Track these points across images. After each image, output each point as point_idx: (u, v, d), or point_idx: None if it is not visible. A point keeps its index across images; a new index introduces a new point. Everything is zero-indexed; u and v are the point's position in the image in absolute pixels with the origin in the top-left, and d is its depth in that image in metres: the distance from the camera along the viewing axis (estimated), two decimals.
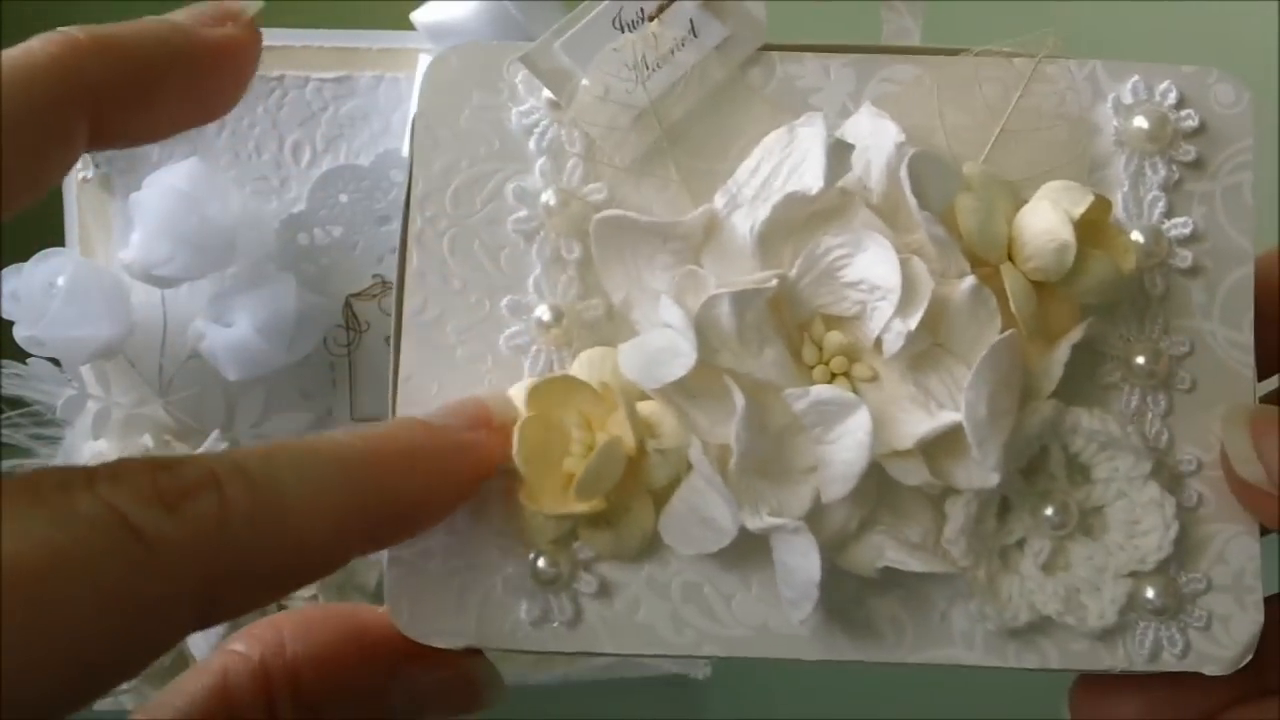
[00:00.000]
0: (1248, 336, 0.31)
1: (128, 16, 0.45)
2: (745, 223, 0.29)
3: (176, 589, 0.23)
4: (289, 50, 0.47)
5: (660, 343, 0.28)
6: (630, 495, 0.29)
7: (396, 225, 0.46)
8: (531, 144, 0.32)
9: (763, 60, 0.32)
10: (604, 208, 0.31)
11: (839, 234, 0.29)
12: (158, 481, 0.23)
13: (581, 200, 0.31)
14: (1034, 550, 0.30)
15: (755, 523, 0.28)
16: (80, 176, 0.47)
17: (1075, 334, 0.29)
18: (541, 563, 0.30)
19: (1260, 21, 0.61)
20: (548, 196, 0.31)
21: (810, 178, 0.29)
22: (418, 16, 0.46)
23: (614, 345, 0.30)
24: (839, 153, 0.29)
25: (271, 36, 0.46)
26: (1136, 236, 0.31)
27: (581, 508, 0.28)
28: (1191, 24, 0.64)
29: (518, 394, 0.30)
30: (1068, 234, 0.28)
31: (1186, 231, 0.32)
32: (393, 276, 0.46)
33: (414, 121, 0.32)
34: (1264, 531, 0.31)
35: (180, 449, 0.47)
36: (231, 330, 0.45)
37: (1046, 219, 0.28)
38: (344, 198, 0.47)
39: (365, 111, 0.48)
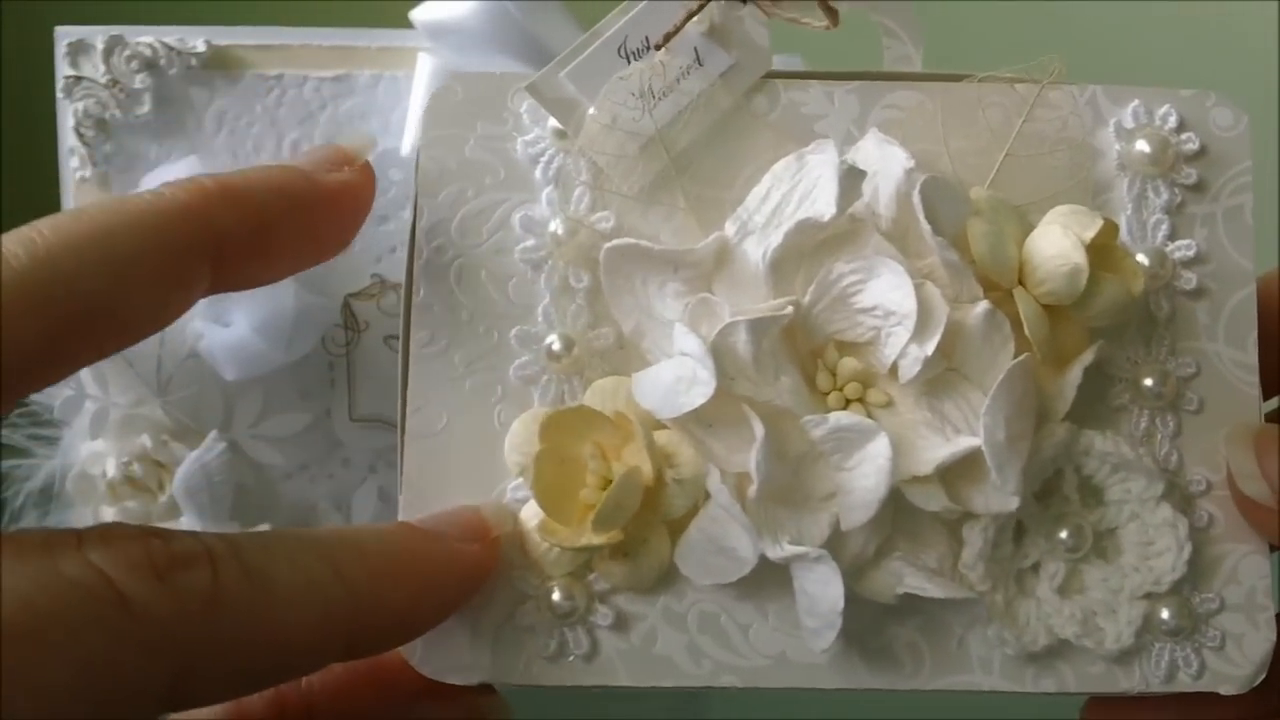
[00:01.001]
0: (1252, 357, 0.32)
1: (128, 17, 0.45)
2: (757, 250, 0.29)
3: (153, 666, 0.22)
4: (287, 49, 0.47)
5: (677, 372, 0.28)
6: (647, 526, 0.29)
7: (395, 225, 0.46)
8: (538, 173, 0.31)
9: (767, 88, 0.32)
10: (612, 236, 0.31)
11: (851, 260, 0.29)
12: (150, 549, 0.22)
13: (589, 229, 0.31)
14: (1049, 574, 0.30)
15: (776, 552, 0.28)
16: (78, 176, 0.46)
17: (1087, 356, 0.30)
18: (557, 596, 0.29)
19: (1260, 21, 0.62)
20: (555, 225, 0.31)
21: (822, 204, 0.29)
22: (416, 15, 0.46)
23: (625, 374, 0.30)
24: (851, 179, 0.29)
25: (270, 35, 0.46)
26: (1141, 259, 0.31)
27: (599, 540, 0.28)
28: (1192, 24, 0.64)
29: (529, 422, 0.29)
30: (1080, 258, 0.28)
31: (1190, 254, 0.32)
32: (391, 276, 0.46)
33: (418, 152, 0.32)
34: (1273, 549, 0.31)
35: (178, 449, 0.46)
36: (229, 330, 0.44)
37: (1058, 243, 0.28)
38: None
39: (364, 110, 0.47)
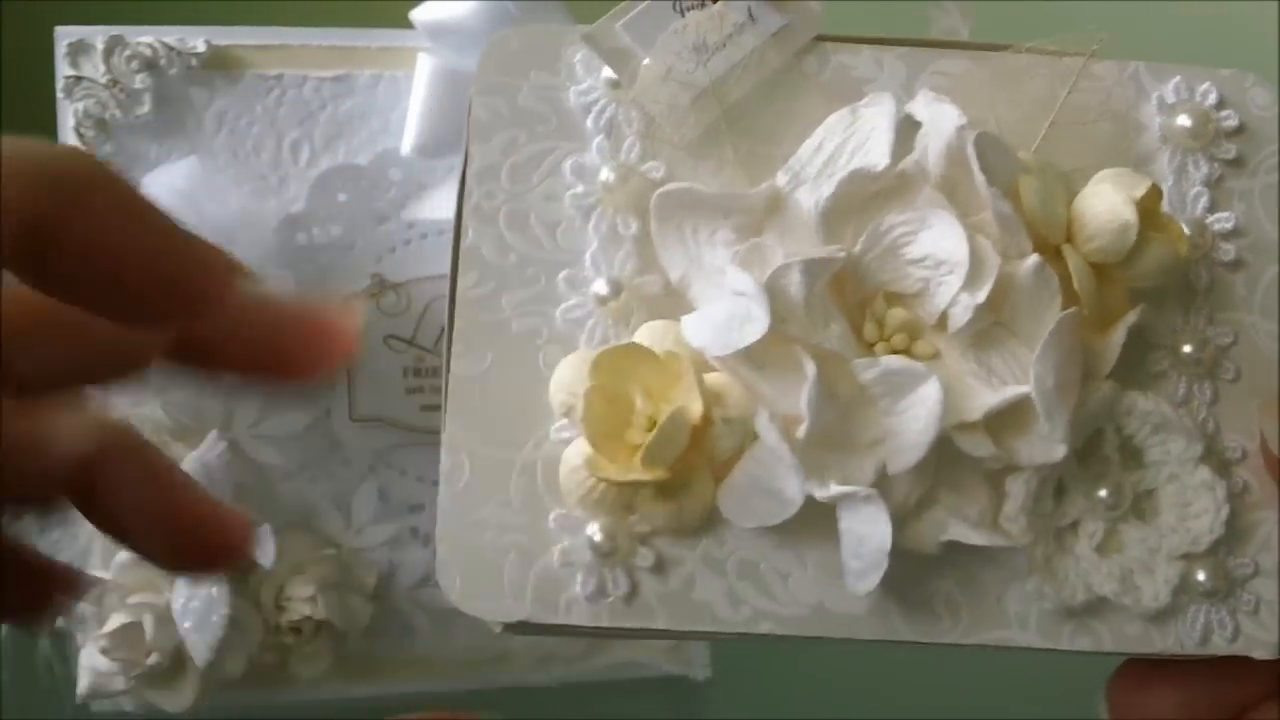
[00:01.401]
0: None
1: (128, 17, 0.45)
2: (810, 198, 0.29)
3: None
4: (287, 49, 0.47)
5: (730, 310, 0.28)
6: (692, 468, 0.29)
7: (395, 225, 0.46)
8: (589, 122, 0.32)
9: (818, 50, 0.33)
10: (662, 184, 0.31)
11: (903, 211, 0.29)
12: None
13: (640, 176, 0.31)
14: (1088, 532, 0.30)
15: (823, 492, 0.28)
16: None
17: (1131, 316, 0.30)
18: (598, 536, 0.29)
19: (1260, 21, 0.63)
20: (606, 173, 0.31)
21: (876, 155, 0.29)
22: (417, 15, 0.46)
23: (672, 320, 0.30)
24: (906, 130, 0.29)
25: (270, 35, 0.46)
26: (1182, 227, 0.32)
27: (647, 475, 0.28)
28: (1192, 24, 0.65)
29: (576, 363, 0.29)
30: (1130, 214, 0.29)
31: (1229, 226, 0.32)
32: (392, 276, 0.46)
33: (472, 98, 0.32)
34: None
35: (178, 449, 0.46)
36: None
37: (1109, 200, 0.29)
38: (343, 197, 0.47)
39: (364, 110, 0.47)
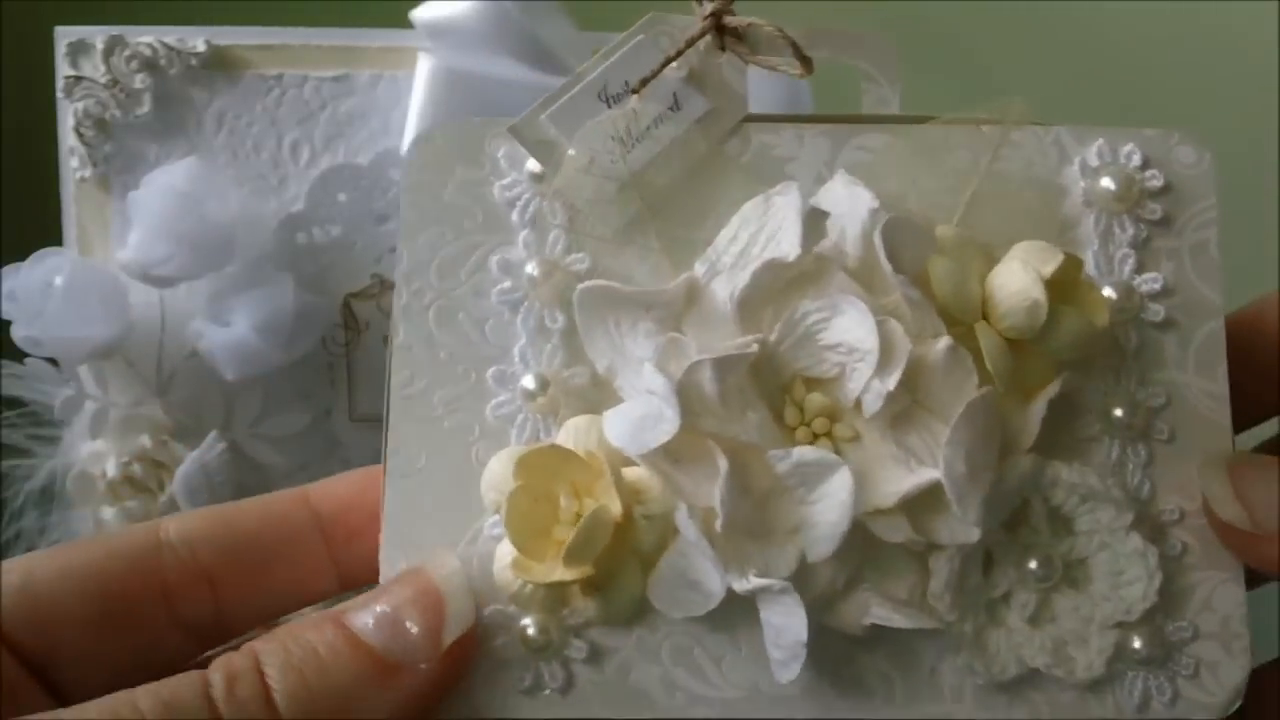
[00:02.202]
0: (1222, 387, 0.32)
1: (128, 17, 0.46)
2: (725, 289, 0.30)
3: None
4: (287, 49, 0.47)
5: (644, 409, 0.29)
6: (619, 561, 0.29)
7: (395, 224, 0.47)
8: (514, 216, 0.32)
9: (740, 130, 0.33)
10: (587, 277, 0.32)
11: (816, 298, 0.29)
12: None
13: (565, 270, 0.32)
14: (1020, 603, 0.30)
15: (742, 585, 0.28)
16: (78, 176, 0.47)
17: (1052, 389, 0.30)
18: (531, 630, 0.30)
19: (1260, 21, 0.62)
20: (531, 267, 0.32)
21: (787, 245, 0.30)
22: (417, 15, 0.46)
23: (599, 412, 0.30)
24: (814, 220, 0.29)
25: (270, 35, 0.47)
26: (1108, 292, 0.32)
27: (571, 575, 0.29)
28: (1192, 25, 0.64)
29: (505, 460, 0.30)
30: (1039, 293, 0.29)
31: (1157, 287, 0.32)
32: (391, 276, 0.47)
33: (401, 198, 0.33)
34: (1252, 582, 0.32)
35: (178, 448, 0.47)
36: (229, 330, 0.45)
37: (1018, 279, 0.29)
38: (342, 197, 0.47)
39: (364, 110, 0.48)
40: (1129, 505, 0.31)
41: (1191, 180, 0.33)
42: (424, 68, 0.45)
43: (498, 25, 0.46)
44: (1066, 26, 0.68)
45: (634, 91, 0.32)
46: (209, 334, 0.45)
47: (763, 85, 0.46)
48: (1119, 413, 0.32)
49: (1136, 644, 0.30)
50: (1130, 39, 0.67)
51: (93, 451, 0.47)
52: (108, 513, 0.47)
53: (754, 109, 0.33)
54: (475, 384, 0.32)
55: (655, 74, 0.32)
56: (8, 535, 0.47)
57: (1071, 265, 0.30)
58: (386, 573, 0.31)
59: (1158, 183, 0.33)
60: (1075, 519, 0.31)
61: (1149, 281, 0.32)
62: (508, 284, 0.32)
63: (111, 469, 0.47)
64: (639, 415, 0.29)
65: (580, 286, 0.31)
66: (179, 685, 0.27)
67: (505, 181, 0.32)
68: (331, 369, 0.48)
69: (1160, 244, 0.33)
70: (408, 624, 0.29)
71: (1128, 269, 0.32)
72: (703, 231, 0.32)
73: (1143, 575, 0.30)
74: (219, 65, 0.47)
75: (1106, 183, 0.32)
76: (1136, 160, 0.33)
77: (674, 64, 0.32)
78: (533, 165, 0.32)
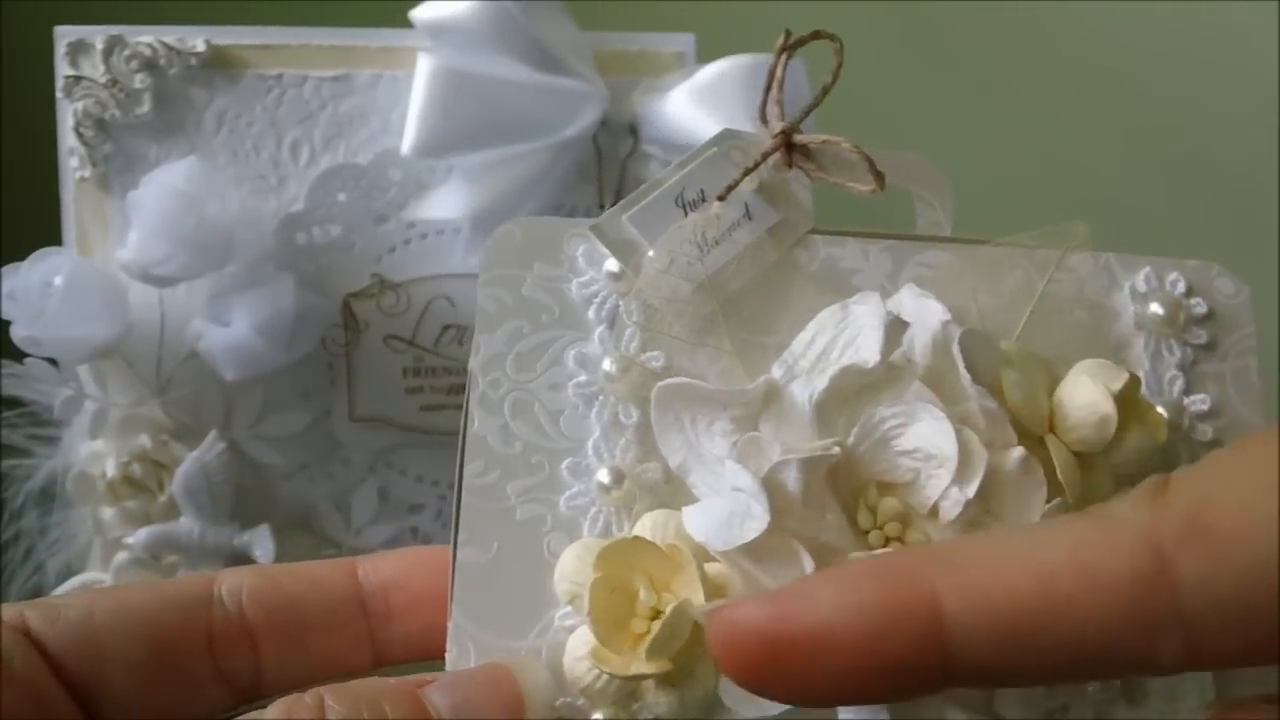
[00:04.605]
0: None
1: (128, 17, 0.46)
2: (804, 392, 0.31)
3: None
4: (287, 48, 0.48)
5: (731, 506, 0.29)
6: (695, 657, 0.29)
7: (394, 224, 0.46)
8: (591, 313, 0.33)
9: (807, 242, 0.34)
10: (662, 375, 0.32)
11: (893, 404, 0.30)
12: None
13: (641, 367, 0.32)
14: (1077, 716, 0.31)
15: None
16: (78, 176, 0.46)
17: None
18: None
19: (1260, 21, 0.63)
20: (608, 364, 0.32)
21: (866, 351, 0.30)
22: (417, 14, 0.47)
23: (671, 507, 0.31)
24: (895, 329, 0.30)
25: (270, 35, 0.47)
26: (1160, 411, 0.33)
27: (650, 669, 0.29)
28: (1192, 24, 0.66)
29: (580, 552, 0.30)
30: (1109, 407, 0.30)
31: (1205, 407, 0.34)
32: (391, 276, 0.47)
33: (480, 289, 0.33)
34: None
35: (178, 448, 0.46)
36: (229, 330, 0.45)
37: (1088, 393, 0.30)
38: (342, 197, 0.47)
39: (364, 110, 0.48)
40: None
41: (1231, 310, 0.35)
42: (424, 68, 0.46)
43: (498, 25, 0.46)
44: (1067, 26, 0.70)
45: (720, 198, 0.33)
46: (209, 334, 0.45)
47: (758, 73, 0.47)
48: None
49: None
50: (1130, 39, 0.68)
51: (92, 451, 0.47)
52: (107, 513, 0.46)
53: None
54: (549, 475, 0.32)
55: (737, 183, 0.33)
56: (7, 535, 0.46)
57: (1133, 384, 0.31)
58: (454, 662, 0.30)
59: (1202, 310, 0.34)
60: None
61: (1197, 403, 0.34)
62: (584, 378, 0.33)
63: (111, 469, 0.46)
64: (725, 512, 0.29)
65: (660, 384, 0.31)
66: None
67: (583, 279, 0.33)
68: (331, 369, 0.48)
69: (1205, 368, 0.34)
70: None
71: (1178, 389, 0.34)
72: (774, 336, 0.33)
73: (1195, 689, 0.31)
74: (219, 65, 0.47)
75: (1155, 308, 0.34)
76: (1181, 288, 0.35)
77: (748, 176, 0.34)
78: (611, 264, 0.33)
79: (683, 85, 0.48)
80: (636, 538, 0.30)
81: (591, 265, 0.33)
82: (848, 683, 0.24)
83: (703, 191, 0.34)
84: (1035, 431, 0.31)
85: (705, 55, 0.50)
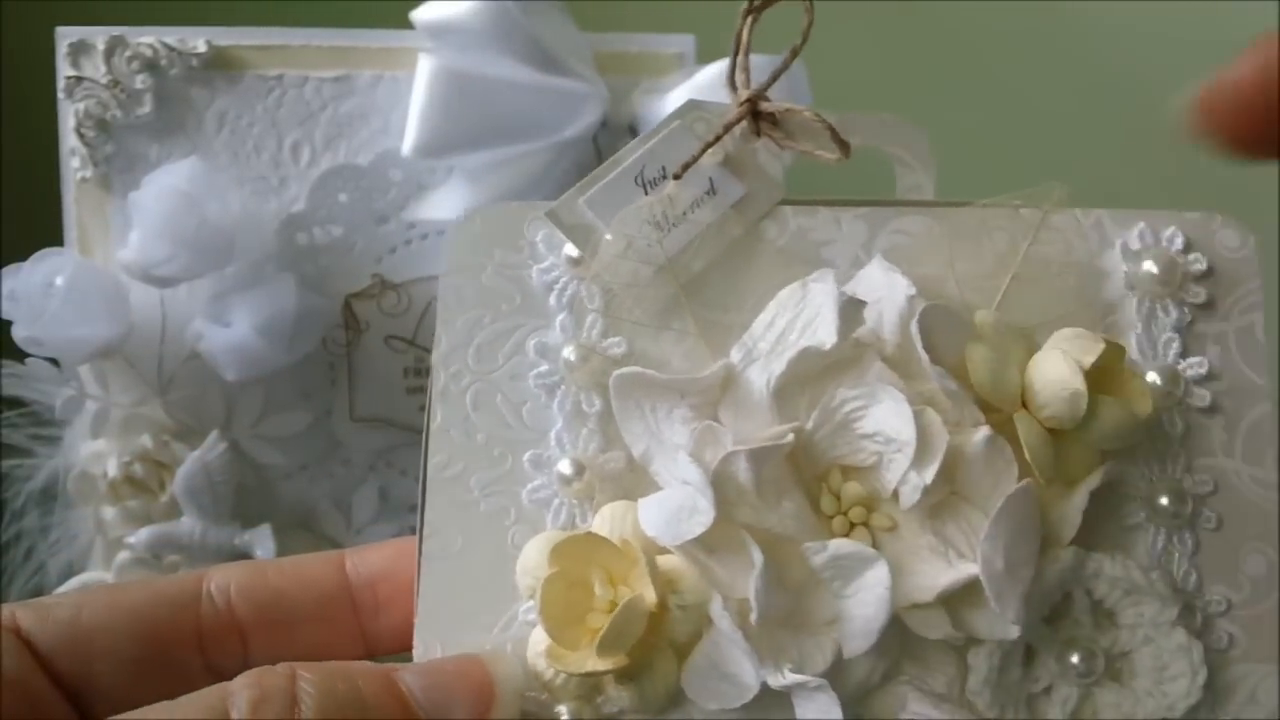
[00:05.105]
0: (1272, 474, 0.31)
1: (128, 17, 0.46)
2: (761, 377, 0.30)
3: None
4: (288, 49, 0.47)
5: (679, 500, 0.28)
6: (653, 650, 0.29)
7: (395, 225, 0.47)
8: (552, 300, 0.32)
9: (777, 214, 0.33)
10: (623, 362, 0.32)
11: (854, 386, 0.29)
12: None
13: (601, 355, 0.32)
14: (1061, 698, 0.30)
15: (777, 680, 0.28)
16: (79, 176, 0.47)
17: (1093, 480, 0.30)
18: (565, 717, 0.30)
19: (1259, 21, 0.61)
20: (568, 352, 0.32)
21: (824, 333, 0.29)
22: (417, 15, 0.46)
23: (635, 497, 0.30)
24: (850, 309, 0.29)
25: (270, 35, 0.47)
26: (1153, 377, 0.31)
27: (605, 665, 0.28)
28: (1192, 24, 0.64)
29: (540, 546, 0.30)
30: (1079, 383, 0.28)
31: (1203, 371, 0.32)
32: (391, 276, 0.47)
33: (440, 281, 0.33)
34: None
35: (179, 448, 0.47)
36: (230, 330, 0.45)
37: (1057, 368, 0.29)
38: (343, 197, 0.47)
39: (364, 111, 0.47)
40: (1174, 599, 0.30)
41: (1235, 264, 0.33)
42: (425, 68, 0.45)
43: (499, 26, 0.46)
44: (1066, 27, 0.67)
45: (675, 177, 0.32)
46: (210, 334, 0.45)
47: (758, 75, 0.46)
48: (1164, 501, 0.31)
49: None
50: (1130, 39, 0.66)
51: (94, 451, 0.47)
52: (108, 513, 0.47)
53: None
54: (512, 468, 0.32)
55: (695, 159, 0.32)
56: (8, 535, 0.47)
57: (1112, 354, 0.30)
58: (421, 655, 0.31)
59: (1201, 266, 0.32)
60: (1118, 612, 0.30)
61: (1194, 366, 0.32)
62: (545, 367, 0.32)
63: (112, 469, 0.47)
64: (675, 506, 0.28)
65: (615, 373, 0.31)
66: (194, 705, 0.27)
67: (543, 265, 0.33)
68: (332, 369, 0.48)
69: (1204, 328, 0.32)
70: (454, 705, 0.29)
71: (1172, 353, 0.32)
72: (740, 315, 0.32)
73: (1186, 671, 0.30)
74: (219, 65, 0.47)
75: (1149, 266, 0.32)
76: (1179, 244, 0.33)
77: (710, 150, 0.33)
78: (570, 249, 0.32)
79: (683, 85, 0.47)
80: (589, 533, 0.29)
81: (551, 251, 0.33)
82: None
83: (664, 169, 0.33)
84: (1006, 408, 0.29)
85: (705, 55, 0.49)
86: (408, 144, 0.46)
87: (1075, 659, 0.30)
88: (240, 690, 0.27)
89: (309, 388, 0.48)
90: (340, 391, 0.48)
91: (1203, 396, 0.32)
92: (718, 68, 0.47)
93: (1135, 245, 0.33)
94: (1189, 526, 0.31)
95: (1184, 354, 0.32)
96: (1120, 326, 0.32)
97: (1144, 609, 0.30)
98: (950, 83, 0.67)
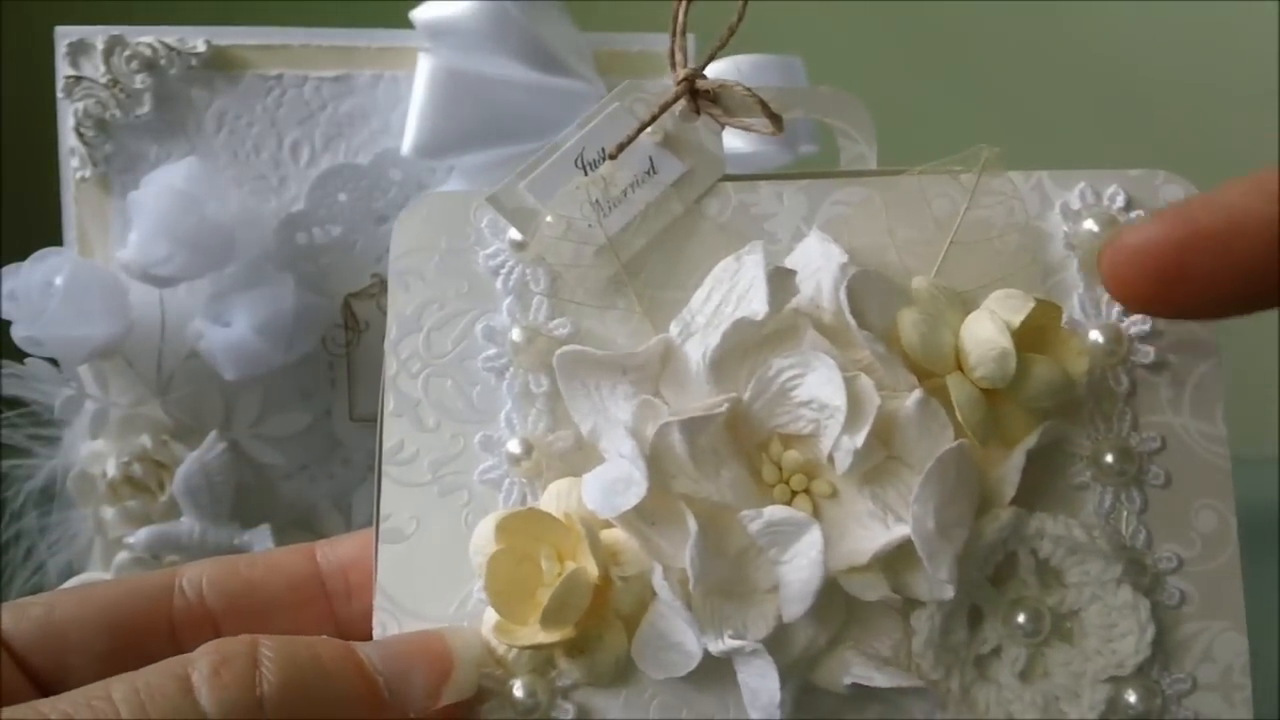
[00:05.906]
0: (1220, 428, 0.31)
1: (128, 17, 0.47)
2: (698, 350, 0.30)
3: None
4: (287, 49, 0.48)
5: (616, 473, 0.29)
6: (601, 622, 0.30)
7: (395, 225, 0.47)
8: (499, 284, 0.33)
9: (719, 190, 0.33)
10: (569, 342, 0.32)
11: (789, 355, 0.30)
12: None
13: (547, 336, 0.32)
14: (1010, 658, 0.30)
15: (716, 645, 0.28)
16: (78, 176, 0.47)
17: (1031, 439, 0.30)
18: (520, 693, 0.30)
19: (1260, 21, 0.61)
20: (515, 334, 0.32)
21: (757, 304, 0.30)
22: (417, 15, 0.47)
23: (583, 475, 0.31)
24: (781, 279, 0.30)
25: (270, 35, 0.48)
26: (1095, 336, 0.31)
27: (551, 638, 0.29)
28: (1193, 24, 0.63)
29: (490, 525, 0.31)
30: (1006, 342, 0.29)
31: (1146, 328, 0.32)
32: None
33: (389, 269, 0.34)
34: None
35: (178, 448, 0.47)
36: (230, 330, 0.45)
37: (986, 329, 0.29)
38: (343, 197, 0.48)
39: (364, 110, 0.48)
40: (1118, 556, 0.30)
41: None
42: (424, 68, 0.46)
43: (498, 25, 0.46)
44: (1066, 26, 0.67)
45: (611, 157, 0.33)
46: (209, 334, 0.46)
47: (759, 74, 0.46)
48: (1110, 459, 0.31)
49: (1131, 698, 0.30)
50: (1130, 38, 0.66)
51: (93, 451, 0.48)
52: (108, 513, 0.48)
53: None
54: (464, 450, 0.32)
55: (631, 139, 0.33)
56: (8, 535, 0.48)
57: (1044, 312, 0.30)
58: (379, 635, 0.31)
59: None
60: (1065, 571, 0.30)
61: (1137, 323, 0.32)
62: (493, 351, 0.33)
63: (112, 469, 0.47)
64: (611, 478, 0.29)
65: (557, 353, 0.31)
66: (154, 673, 0.28)
67: (489, 250, 0.33)
68: (332, 369, 0.49)
69: None
70: (412, 673, 0.29)
71: (1115, 311, 0.32)
72: (684, 292, 0.32)
73: (1134, 628, 0.30)
74: (219, 65, 0.47)
75: (1089, 225, 0.32)
76: (1120, 201, 0.33)
77: (649, 129, 0.33)
78: (514, 234, 0.33)
79: None
80: (532, 509, 0.30)
81: (497, 236, 0.33)
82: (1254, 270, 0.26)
83: (603, 150, 0.33)
84: (940, 371, 0.30)
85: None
86: (407, 143, 0.46)
87: (1021, 619, 0.30)
88: (200, 656, 0.28)
89: (309, 388, 0.48)
90: (340, 391, 0.49)
91: (1147, 353, 0.32)
92: (717, 67, 0.47)
93: (1076, 205, 0.33)
94: (1136, 484, 0.31)
95: (1127, 311, 0.32)
96: (1064, 286, 0.32)
97: (1089, 567, 0.30)
98: (945, 74, 0.67)
